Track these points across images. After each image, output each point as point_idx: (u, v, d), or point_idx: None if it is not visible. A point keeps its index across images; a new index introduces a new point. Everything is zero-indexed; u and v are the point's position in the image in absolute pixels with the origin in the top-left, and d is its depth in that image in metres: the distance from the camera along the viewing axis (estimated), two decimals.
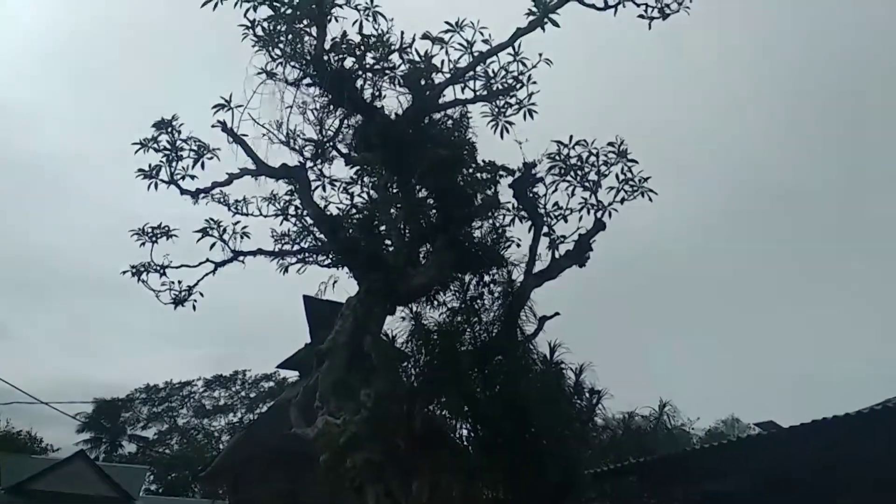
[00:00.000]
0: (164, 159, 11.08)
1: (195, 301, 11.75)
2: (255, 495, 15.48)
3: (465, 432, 10.39)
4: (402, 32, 10.45)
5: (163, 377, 55.63)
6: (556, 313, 10.92)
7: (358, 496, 10.29)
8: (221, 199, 11.77)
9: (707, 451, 7.14)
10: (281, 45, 10.29)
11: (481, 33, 10.01)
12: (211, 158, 11.20)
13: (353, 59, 10.44)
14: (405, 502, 9.46)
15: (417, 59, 10.41)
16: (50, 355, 70.01)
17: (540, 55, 10.26)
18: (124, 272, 11.42)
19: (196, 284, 11.70)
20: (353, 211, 12.10)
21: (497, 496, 9.86)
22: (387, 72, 10.70)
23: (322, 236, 11.76)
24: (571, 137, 10.79)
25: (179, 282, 11.66)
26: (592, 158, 10.92)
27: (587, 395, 10.07)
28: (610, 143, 10.83)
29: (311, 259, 12.04)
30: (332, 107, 10.89)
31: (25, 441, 45.86)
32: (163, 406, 55.54)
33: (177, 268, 11.58)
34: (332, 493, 12.38)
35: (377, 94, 10.75)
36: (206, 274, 11.66)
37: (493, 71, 10.48)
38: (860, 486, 6.71)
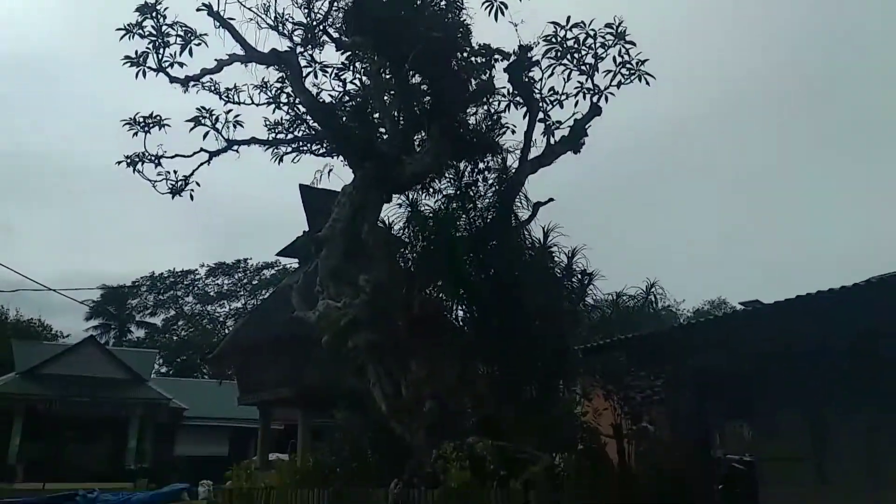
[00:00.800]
0: (150, 46, 10.81)
1: (192, 191, 11.82)
2: (262, 376, 16.22)
3: (460, 314, 10.78)
4: None
5: (166, 267, 56.74)
6: (550, 199, 11.04)
7: (359, 375, 10.84)
8: (212, 88, 11.56)
9: (694, 327, 7.47)
10: None
11: None
12: (199, 45, 10.92)
13: None
14: (405, 380, 9.98)
15: None
16: (53, 251, 71.01)
17: None
18: (119, 162, 11.42)
19: (192, 175, 11.73)
20: (346, 98, 11.94)
21: (492, 374, 10.36)
22: None
23: (315, 125, 11.66)
24: (569, 19, 10.47)
25: (175, 171, 11.69)
26: (590, 41, 10.63)
27: (579, 277, 10.38)
28: (608, 25, 10.51)
29: (305, 148, 12.00)
30: None
31: (36, 328, 47.24)
32: (168, 294, 56.84)
33: (171, 158, 11.57)
34: (335, 373, 13.02)
35: None
36: (201, 164, 11.67)
37: None
38: (845, 360, 7.06)
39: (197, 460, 32.09)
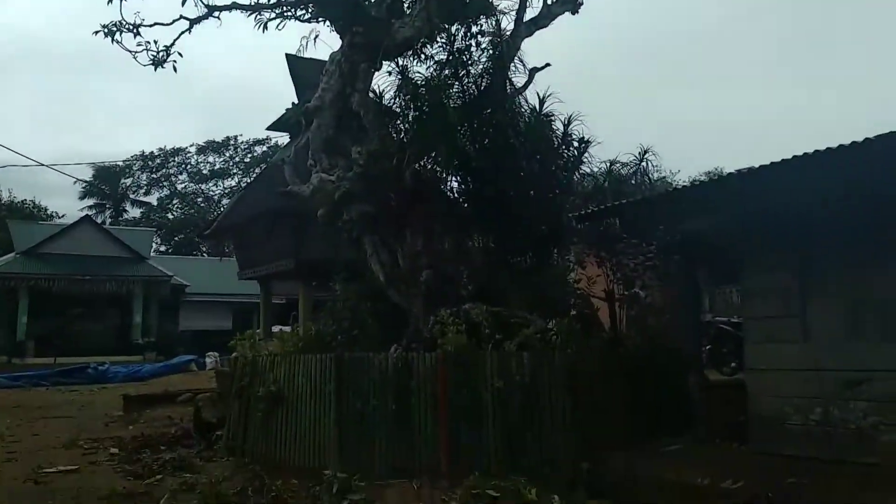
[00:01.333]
0: None
1: (175, 62, 11.37)
2: (260, 251, 16.38)
3: (455, 185, 10.72)
4: None
5: (156, 146, 55.94)
6: (547, 64, 10.69)
7: (356, 247, 10.94)
8: None
9: (687, 190, 7.44)
10: None
11: None
12: None
13: None
14: (401, 251, 10.09)
15: None
16: (41, 132, 69.60)
17: None
18: (96, 32, 10.90)
19: (173, 45, 11.24)
20: None
21: (486, 244, 10.45)
22: None
23: None
24: None
25: (155, 42, 11.19)
26: None
27: (575, 144, 10.23)
28: None
29: (289, 13, 11.40)
30: None
31: (30, 209, 47.23)
32: (160, 172, 56.43)
33: (150, 26, 11.04)
34: (333, 245, 13.13)
35: None
36: (182, 32, 11.14)
37: None
38: (830, 222, 7.10)
39: (201, 334, 33.25)
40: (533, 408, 7.50)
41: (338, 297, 11.37)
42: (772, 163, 6.54)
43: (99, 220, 43.95)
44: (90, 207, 51.32)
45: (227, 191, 54.08)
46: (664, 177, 12.24)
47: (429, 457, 7.53)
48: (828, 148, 6.14)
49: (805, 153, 6.28)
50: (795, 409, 7.10)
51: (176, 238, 52.87)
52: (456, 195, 10.80)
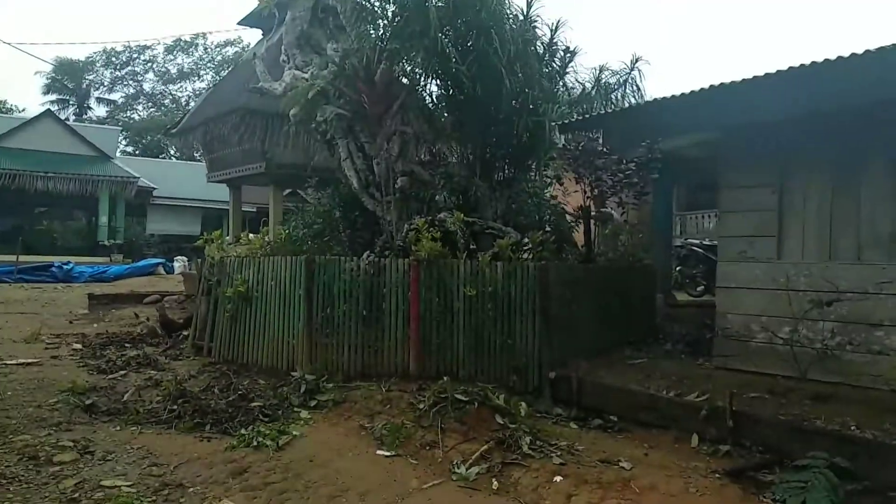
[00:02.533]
0: None
1: None
2: (229, 152, 15.87)
3: (434, 90, 10.33)
4: None
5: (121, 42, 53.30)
6: None
7: (329, 151, 10.60)
8: None
9: (671, 101, 7.21)
10: None
11: None
12: None
13: None
14: (376, 156, 9.78)
15: None
16: None
17: None
18: None
19: None
20: None
21: (464, 153, 10.18)
22: None
23: None
24: None
25: None
26: None
27: (561, 53, 9.86)
28: None
29: None
30: None
31: None
32: (125, 70, 54.04)
33: None
34: (305, 148, 12.74)
35: None
36: None
37: None
38: (807, 137, 7.01)
39: (170, 239, 32.76)
40: (503, 317, 7.50)
41: (309, 203, 11.11)
42: (755, 76, 6.35)
43: (63, 117, 42.14)
44: (52, 103, 49.14)
45: (196, 93, 52.14)
46: (655, 97, 11.92)
47: (398, 362, 7.54)
48: (812, 62, 5.97)
49: (790, 67, 6.10)
50: (763, 327, 7.19)
51: (143, 140, 51.22)
52: (435, 101, 10.42)
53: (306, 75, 9.97)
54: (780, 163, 7.16)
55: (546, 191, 11.47)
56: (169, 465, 5.34)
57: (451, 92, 9.99)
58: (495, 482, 5.07)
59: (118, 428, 6.29)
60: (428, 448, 5.69)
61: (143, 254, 29.65)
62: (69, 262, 22.56)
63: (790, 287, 6.97)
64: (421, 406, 6.23)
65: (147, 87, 54.81)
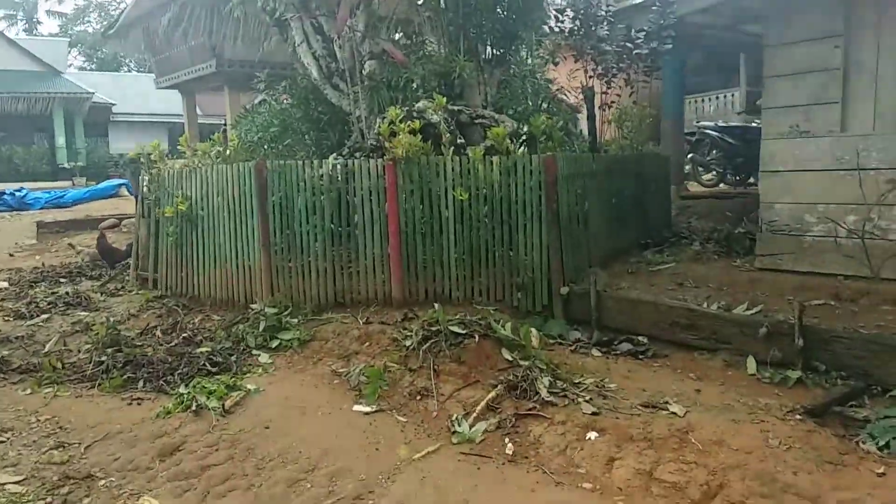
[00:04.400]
0: None
1: None
2: (177, 53, 13.98)
3: None
4: None
5: None
6: None
7: (281, 33, 8.91)
8: None
9: None
10: None
11: None
12: None
13: None
14: (337, 38, 8.11)
15: None
16: None
17: None
18: None
19: None
20: None
21: (445, 28, 8.48)
22: None
23: None
24: None
25: None
26: None
27: None
28: None
29: None
30: None
31: None
32: None
33: None
34: (259, 40, 11.01)
35: None
36: None
37: None
38: None
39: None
40: (502, 223, 6.12)
41: (263, 101, 9.51)
42: None
43: (12, 35, 38.85)
44: None
45: None
46: None
47: (377, 286, 6.20)
48: None
49: None
50: (821, 217, 5.85)
51: (99, 54, 47.84)
52: None
53: None
54: (846, 6, 5.61)
55: (542, 70, 9.86)
56: (80, 444, 4.09)
57: None
58: (509, 444, 3.85)
59: (28, 391, 5.01)
60: (419, 398, 4.45)
61: (109, 176, 27.76)
62: (21, 187, 20.76)
63: (859, 166, 5.58)
64: (407, 342, 4.92)
65: None
